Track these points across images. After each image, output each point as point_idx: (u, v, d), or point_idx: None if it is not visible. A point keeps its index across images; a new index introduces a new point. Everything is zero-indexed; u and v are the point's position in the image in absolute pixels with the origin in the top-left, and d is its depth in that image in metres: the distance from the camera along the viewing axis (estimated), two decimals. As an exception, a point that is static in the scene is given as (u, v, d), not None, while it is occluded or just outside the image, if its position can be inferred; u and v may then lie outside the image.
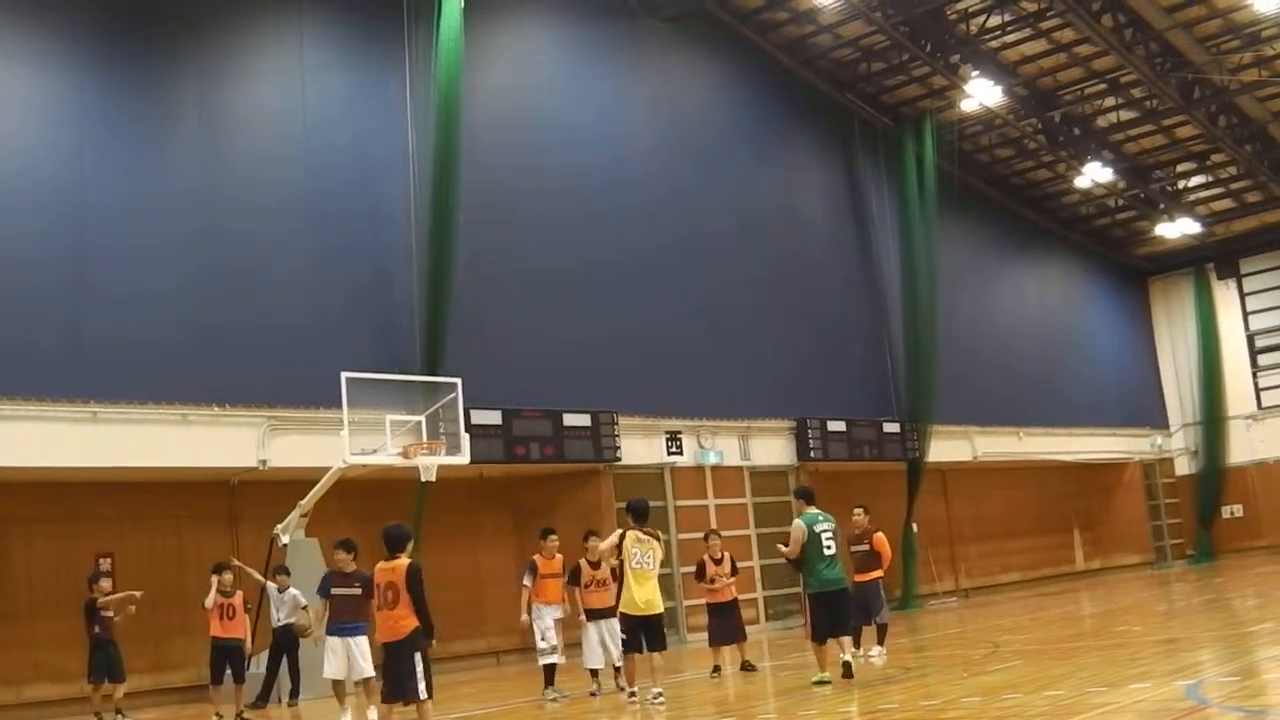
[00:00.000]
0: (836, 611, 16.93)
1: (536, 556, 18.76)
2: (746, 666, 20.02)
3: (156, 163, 24.12)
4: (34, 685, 22.22)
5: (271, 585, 21.45)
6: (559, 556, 18.83)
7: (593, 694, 18.02)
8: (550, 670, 18.32)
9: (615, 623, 17.04)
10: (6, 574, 22.48)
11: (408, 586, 12.43)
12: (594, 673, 18.07)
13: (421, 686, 12.43)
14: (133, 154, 23.79)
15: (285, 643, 21.52)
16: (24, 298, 21.80)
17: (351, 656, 16.17)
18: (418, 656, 12.45)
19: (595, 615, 17.80)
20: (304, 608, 21.14)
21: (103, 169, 23.30)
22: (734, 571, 20.40)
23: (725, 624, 20.12)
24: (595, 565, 17.92)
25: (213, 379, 23.48)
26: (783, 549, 17.27)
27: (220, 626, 19.41)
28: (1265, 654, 16.78)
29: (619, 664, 17.45)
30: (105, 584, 19.79)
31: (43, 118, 23.14)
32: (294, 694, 21.90)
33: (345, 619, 16.00)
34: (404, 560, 12.56)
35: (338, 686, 16.85)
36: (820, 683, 16.52)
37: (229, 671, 19.34)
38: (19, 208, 22.25)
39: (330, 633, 16.12)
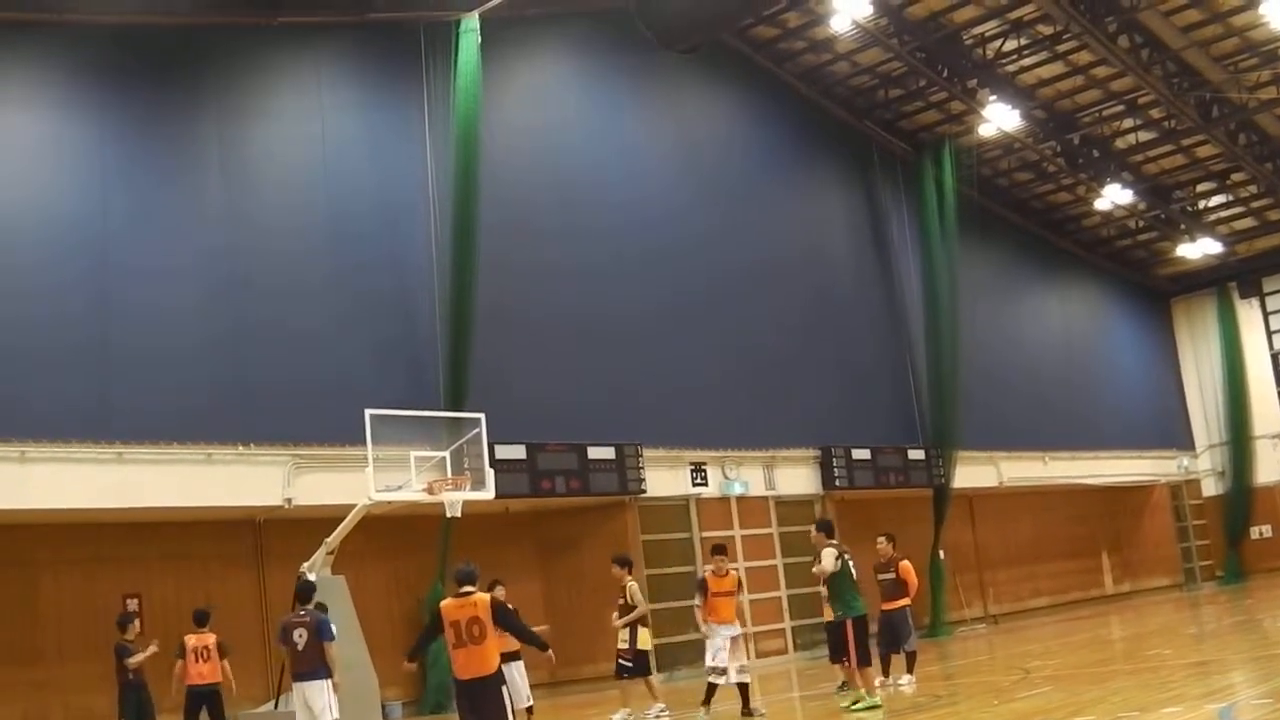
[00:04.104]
0: (868, 636, 17.61)
1: (707, 574, 18.30)
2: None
3: (179, 210, 24.32)
4: (63, 727, 22.28)
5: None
6: (732, 573, 18.23)
7: None
8: (712, 689, 17.87)
9: (521, 665, 18.48)
10: (35, 615, 22.52)
11: (499, 621, 12.31)
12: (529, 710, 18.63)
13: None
14: (156, 201, 24.00)
15: None
16: (51, 344, 21.95)
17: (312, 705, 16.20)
18: (505, 690, 12.41)
19: (511, 658, 18.10)
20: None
21: (127, 216, 23.49)
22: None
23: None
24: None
25: (237, 419, 23.57)
26: (818, 569, 17.37)
27: (193, 671, 19.11)
28: (1298, 676, 16.67)
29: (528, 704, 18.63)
30: (136, 626, 19.79)
31: (70, 166, 23.36)
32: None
33: (297, 667, 16.22)
34: (483, 595, 12.39)
35: None
36: (872, 707, 16.56)
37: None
38: (44, 257, 22.44)
39: (293, 679, 16.30)
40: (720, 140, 34.11)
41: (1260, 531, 47.45)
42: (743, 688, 17.82)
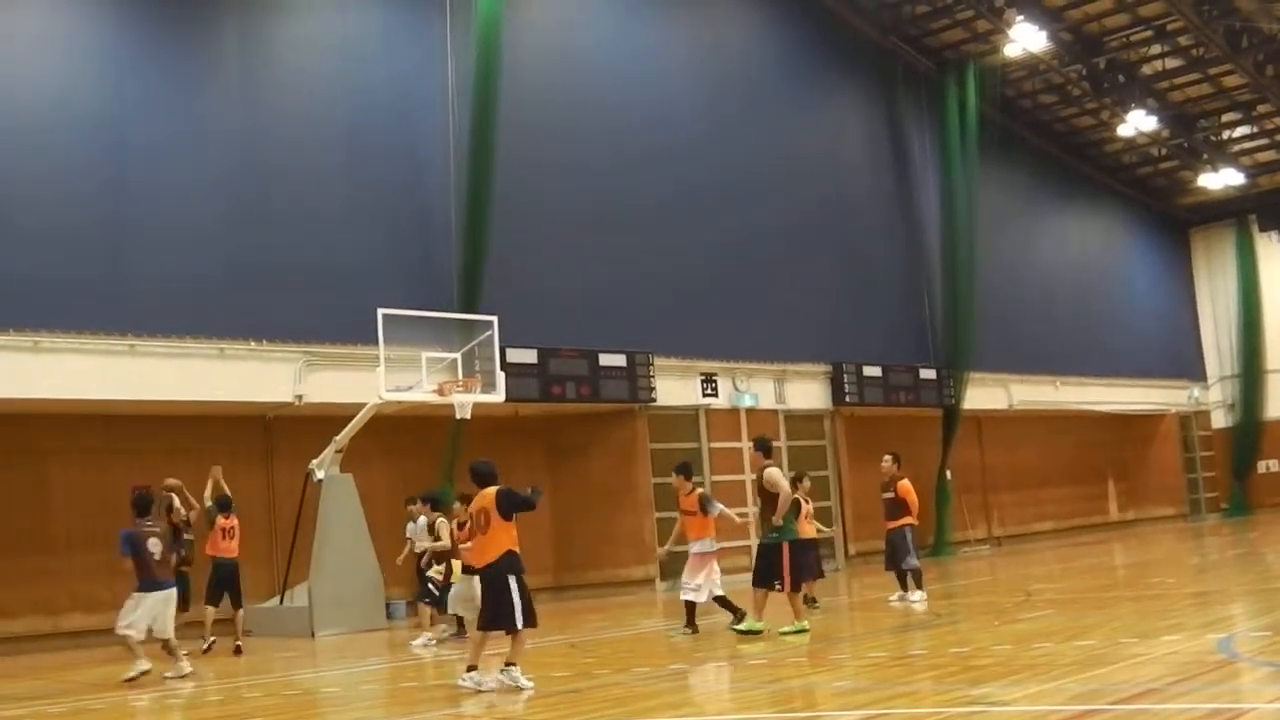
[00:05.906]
0: (809, 560, 18.12)
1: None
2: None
3: (196, 98, 24.14)
4: (70, 615, 22.51)
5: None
6: (698, 492, 18.00)
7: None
8: (687, 607, 17.67)
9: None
10: (44, 505, 22.68)
11: (499, 506, 12.60)
12: (460, 620, 18.70)
13: (519, 616, 12.48)
14: (173, 88, 23.83)
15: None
16: (64, 232, 21.86)
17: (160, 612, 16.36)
18: (513, 581, 12.53)
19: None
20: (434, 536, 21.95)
21: (143, 103, 23.32)
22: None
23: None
24: (462, 527, 17.71)
25: (250, 314, 23.57)
26: (777, 490, 16.95)
27: (220, 546, 19.86)
28: (1299, 608, 16.70)
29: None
30: (181, 509, 20.29)
31: (84, 53, 23.14)
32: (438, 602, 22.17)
33: (161, 575, 16.42)
34: (491, 489, 12.80)
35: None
36: (800, 631, 16.34)
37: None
38: (59, 142, 22.30)
39: (145, 589, 16.26)
40: (743, 47, 33.79)
41: (1268, 466, 47.52)
42: (690, 605, 17.52)
